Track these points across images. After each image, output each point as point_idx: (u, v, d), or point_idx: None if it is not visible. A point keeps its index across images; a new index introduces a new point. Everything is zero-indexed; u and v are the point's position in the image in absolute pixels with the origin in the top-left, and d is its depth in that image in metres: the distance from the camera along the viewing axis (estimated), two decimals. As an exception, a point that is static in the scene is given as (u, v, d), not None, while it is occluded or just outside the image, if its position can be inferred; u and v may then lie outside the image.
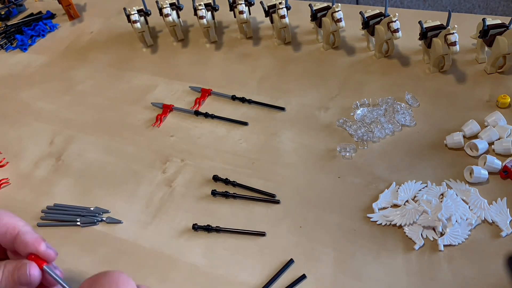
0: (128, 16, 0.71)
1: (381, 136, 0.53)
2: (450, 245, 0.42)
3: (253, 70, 0.67)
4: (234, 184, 0.50)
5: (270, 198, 0.49)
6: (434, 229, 0.43)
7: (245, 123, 0.58)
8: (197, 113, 0.60)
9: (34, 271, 0.32)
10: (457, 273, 0.40)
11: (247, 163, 0.53)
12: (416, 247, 0.42)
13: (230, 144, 0.56)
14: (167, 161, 0.55)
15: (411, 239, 0.43)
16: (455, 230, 0.42)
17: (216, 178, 0.51)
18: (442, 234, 0.42)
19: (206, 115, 0.59)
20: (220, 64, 0.69)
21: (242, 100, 0.61)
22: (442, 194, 0.46)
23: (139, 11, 0.71)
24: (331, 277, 0.41)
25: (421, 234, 0.43)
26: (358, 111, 0.56)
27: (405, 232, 0.43)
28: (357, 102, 0.57)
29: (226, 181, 0.51)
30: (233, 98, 0.61)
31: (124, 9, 0.72)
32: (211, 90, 0.63)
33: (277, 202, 0.48)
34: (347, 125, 0.55)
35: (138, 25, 0.70)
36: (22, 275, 0.32)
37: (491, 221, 0.43)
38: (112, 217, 0.50)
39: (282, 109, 0.59)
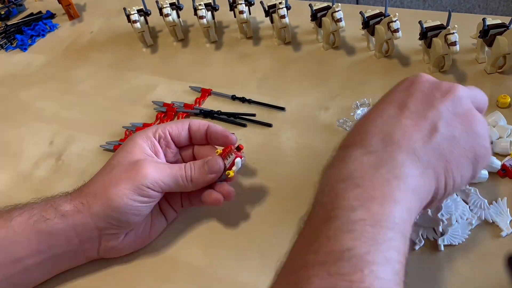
0: (128, 16, 0.71)
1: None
2: (450, 244, 0.42)
3: (253, 70, 0.67)
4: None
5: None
6: (434, 229, 0.43)
7: (244, 123, 0.58)
8: (233, 97, 0.61)
9: (220, 160, 0.42)
10: (457, 273, 0.40)
11: (247, 163, 0.53)
12: (417, 247, 0.42)
13: (230, 144, 0.56)
14: (167, 161, 0.55)
15: (411, 239, 0.43)
16: (455, 230, 0.42)
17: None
18: (442, 234, 0.42)
19: (206, 114, 0.59)
20: (220, 64, 0.69)
21: (242, 100, 0.61)
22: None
23: (139, 11, 0.71)
24: (331, 277, 0.41)
25: (421, 234, 0.43)
26: (358, 111, 0.56)
27: None
28: (357, 102, 0.57)
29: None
30: (233, 98, 0.61)
31: (124, 9, 0.72)
32: (211, 90, 0.63)
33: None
34: (347, 125, 0.55)
35: (138, 25, 0.70)
36: (211, 164, 0.42)
37: (491, 221, 0.43)
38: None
39: (282, 109, 0.59)
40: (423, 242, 0.42)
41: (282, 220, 0.46)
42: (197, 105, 0.62)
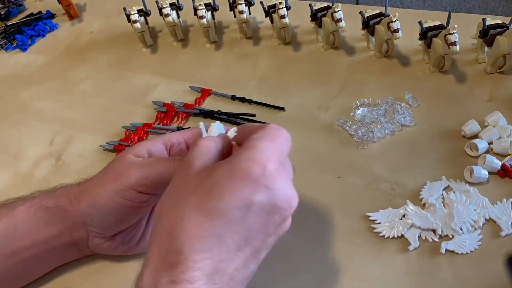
0: (128, 16, 0.71)
1: (381, 136, 0.53)
2: (453, 251, 0.41)
3: (253, 70, 0.67)
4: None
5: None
6: (434, 231, 0.43)
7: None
8: (233, 97, 0.61)
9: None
10: (457, 273, 0.40)
11: (247, 163, 0.53)
12: (411, 248, 0.42)
13: (230, 144, 0.56)
14: (167, 161, 0.55)
15: (406, 239, 0.43)
16: (463, 239, 0.41)
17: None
18: (441, 236, 0.42)
19: (207, 114, 0.59)
20: (220, 64, 0.69)
21: (242, 100, 0.61)
22: (445, 190, 0.46)
23: (139, 11, 0.71)
24: (331, 277, 0.41)
25: (418, 237, 0.42)
26: (358, 111, 0.56)
27: (403, 235, 0.43)
28: (357, 102, 0.57)
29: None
30: (233, 98, 0.61)
31: (124, 9, 0.72)
32: (211, 90, 0.63)
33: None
34: (347, 125, 0.55)
35: (138, 25, 0.70)
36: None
37: (495, 219, 0.43)
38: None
39: (282, 109, 0.59)
40: (418, 244, 0.42)
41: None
42: (197, 105, 0.62)
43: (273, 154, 0.31)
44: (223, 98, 0.62)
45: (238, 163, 0.30)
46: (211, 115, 0.59)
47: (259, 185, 0.29)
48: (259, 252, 0.32)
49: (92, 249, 0.42)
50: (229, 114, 0.59)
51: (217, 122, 0.38)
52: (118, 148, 0.56)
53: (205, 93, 0.63)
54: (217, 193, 0.29)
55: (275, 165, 0.30)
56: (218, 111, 0.59)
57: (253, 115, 0.58)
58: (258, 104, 0.60)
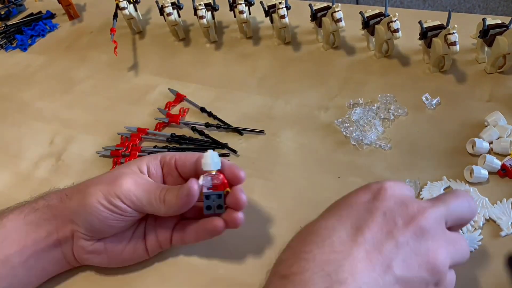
0: (161, 9, 0.70)
1: (375, 139, 0.52)
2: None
3: (253, 70, 0.67)
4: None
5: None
6: None
7: (241, 133, 0.57)
8: (202, 109, 0.60)
9: (193, 183, 0.38)
10: (457, 273, 0.40)
11: (247, 163, 0.53)
12: None
13: (230, 144, 0.56)
14: (167, 161, 0.55)
15: None
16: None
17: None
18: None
19: (209, 114, 0.59)
20: (220, 64, 0.69)
21: (209, 114, 0.59)
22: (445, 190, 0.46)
23: (172, 4, 0.71)
24: (331, 277, 0.41)
25: None
26: (354, 111, 0.56)
27: None
28: (351, 100, 0.57)
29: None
30: (202, 110, 0.59)
31: (157, 2, 0.70)
32: (185, 96, 0.62)
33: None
34: (344, 126, 0.54)
35: (172, 17, 0.70)
36: (184, 186, 0.38)
37: (495, 219, 0.43)
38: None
39: (261, 132, 0.56)
40: None
41: (282, 220, 0.46)
42: (167, 109, 0.61)
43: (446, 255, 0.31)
44: (193, 107, 0.61)
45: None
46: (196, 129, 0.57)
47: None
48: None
49: (77, 255, 0.41)
50: (224, 123, 0.57)
51: (210, 151, 0.39)
52: (114, 154, 0.55)
53: (179, 98, 0.63)
54: None
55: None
56: (206, 123, 0.57)
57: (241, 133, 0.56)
58: (224, 124, 0.57)
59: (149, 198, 0.38)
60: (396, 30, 0.57)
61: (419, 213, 0.30)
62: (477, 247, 0.41)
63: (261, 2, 0.70)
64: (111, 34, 0.70)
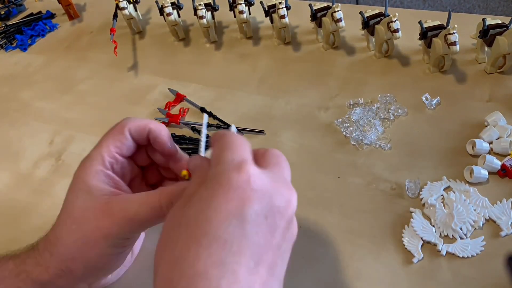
0: (161, 9, 0.70)
1: (374, 139, 0.52)
2: (453, 254, 0.41)
3: (253, 70, 0.67)
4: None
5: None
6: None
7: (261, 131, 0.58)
8: (202, 109, 0.60)
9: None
10: (457, 273, 0.40)
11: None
12: (415, 260, 0.41)
13: (230, 144, 0.56)
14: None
15: (409, 251, 0.42)
16: (466, 243, 0.41)
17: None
18: (440, 235, 0.42)
19: (210, 113, 0.59)
20: (220, 64, 0.69)
21: (210, 114, 0.59)
22: (445, 190, 0.46)
23: (172, 4, 0.71)
24: (331, 277, 0.41)
25: (420, 248, 0.42)
26: (354, 111, 0.56)
27: (404, 244, 0.42)
28: (351, 100, 0.57)
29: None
30: (202, 110, 0.60)
31: (157, 2, 0.70)
32: (185, 96, 0.62)
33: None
34: (344, 126, 0.54)
35: (172, 17, 0.70)
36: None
37: (495, 219, 0.43)
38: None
39: (261, 132, 0.56)
40: (422, 256, 0.41)
41: (282, 220, 0.46)
42: (167, 109, 0.61)
43: (243, 154, 0.28)
44: (193, 107, 0.61)
45: (214, 179, 0.27)
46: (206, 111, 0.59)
47: (245, 191, 0.26)
48: (275, 267, 0.27)
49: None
50: (224, 122, 0.58)
51: (233, 125, 0.38)
52: None
53: (179, 98, 0.63)
54: (203, 217, 0.25)
55: (251, 163, 0.27)
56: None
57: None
58: (224, 124, 0.58)
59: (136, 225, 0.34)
60: (396, 30, 0.57)
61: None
62: (479, 252, 0.41)
63: (261, 2, 0.70)
64: (111, 34, 0.70)
